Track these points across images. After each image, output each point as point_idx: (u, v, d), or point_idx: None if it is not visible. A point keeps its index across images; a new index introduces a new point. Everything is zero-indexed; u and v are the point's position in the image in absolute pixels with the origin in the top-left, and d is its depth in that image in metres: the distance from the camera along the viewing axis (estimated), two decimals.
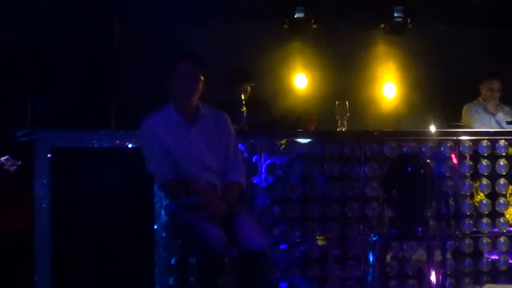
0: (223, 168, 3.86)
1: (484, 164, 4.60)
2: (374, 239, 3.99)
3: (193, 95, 3.84)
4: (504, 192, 4.62)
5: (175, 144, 3.78)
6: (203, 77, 3.85)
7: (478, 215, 4.60)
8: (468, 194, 4.59)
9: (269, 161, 4.39)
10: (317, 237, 4.43)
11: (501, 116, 5.76)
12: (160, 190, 4.05)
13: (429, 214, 4.28)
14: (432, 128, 5.15)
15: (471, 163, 4.60)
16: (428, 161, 4.19)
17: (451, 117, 6.03)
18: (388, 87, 7.70)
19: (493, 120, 5.80)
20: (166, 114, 3.87)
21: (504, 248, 4.58)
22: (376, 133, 4.63)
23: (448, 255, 4.37)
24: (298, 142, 4.46)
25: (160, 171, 3.81)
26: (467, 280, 4.54)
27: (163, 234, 4.23)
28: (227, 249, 3.48)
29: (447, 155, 4.57)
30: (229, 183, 3.83)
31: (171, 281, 4.24)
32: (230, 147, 3.90)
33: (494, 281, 4.54)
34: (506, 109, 5.88)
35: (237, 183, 3.85)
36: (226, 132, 3.91)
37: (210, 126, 3.88)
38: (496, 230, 4.60)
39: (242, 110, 4.63)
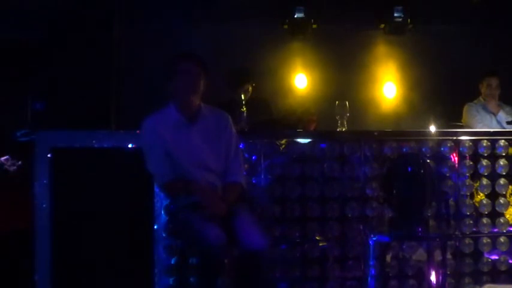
0: (224, 169, 3.85)
1: (484, 164, 4.60)
2: (374, 239, 3.99)
3: (194, 94, 3.84)
4: (504, 192, 4.62)
5: (176, 144, 3.78)
6: (204, 75, 3.84)
7: (478, 215, 4.60)
8: (468, 194, 4.59)
9: (269, 161, 4.38)
10: (317, 237, 4.43)
11: (502, 116, 5.77)
12: (161, 190, 4.05)
13: (429, 214, 4.28)
14: (432, 128, 5.15)
15: (471, 163, 4.59)
16: (428, 161, 4.19)
17: (451, 117, 6.03)
18: (388, 87, 7.71)
19: (494, 120, 5.80)
20: (167, 114, 3.87)
21: (504, 248, 4.58)
22: (376, 133, 4.63)
23: (448, 255, 4.37)
24: (298, 142, 4.46)
25: (160, 171, 3.81)
26: (467, 280, 4.54)
27: (163, 234, 4.23)
28: (227, 250, 3.48)
29: (447, 155, 4.57)
30: (229, 184, 3.83)
31: (171, 281, 4.24)
32: (231, 147, 3.89)
33: (494, 281, 4.54)
34: (507, 109, 5.88)
35: (237, 183, 3.85)
36: (227, 132, 3.91)
37: (211, 126, 3.87)
38: (496, 230, 4.60)
39: (242, 110, 4.63)
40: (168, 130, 3.80)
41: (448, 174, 4.56)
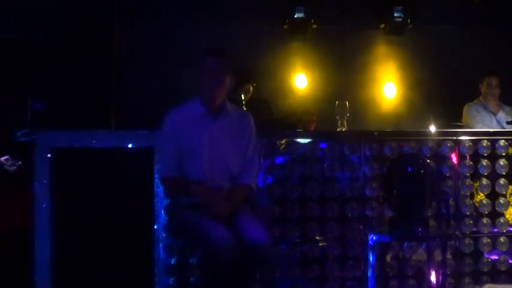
0: (239, 167, 3.87)
1: (484, 164, 4.60)
2: (374, 239, 3.99)
3: (219, 90, 3.85)
4: (504, 192, 4.62)
5: (197, 136, 3.80)
6: (229, 71, 3.86)
7: (478, 215, 4.59)
8: (468, 194, 4.59)
9: (269, 161, 4.38)
10: (317, 237, 4.43)
11: (502, 116, 5.77)
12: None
13: (429, 214, 4.28)
14: (432, 128, 5.15)
15: (471, 163, 4.59)
16: (428, 161, 4.19)
17: (451, 117, 6.03)
18: (388, 87, 7.72)
19: (494, 120, 5.80)
20: (191, 107, 3.89)
21: (504, 248, 4.58)
22: (376, 133, 4.63)
23: (448, 255, 4.37)
24: (298, 142, 4.46)
25: (165, 164, 3.88)
26: (467, 280, 4.54)
27: (163, 234, 4.23)
28: (233, 250, 3.47)
29: (447, 155, 4.57)
30: (239, 185, 3.85)
31: (171, 281, 4.24)
32: (249, 148, 3.91)
33: (494, 281, 4.54)
34: (507, 109, 5.89)
35: (246, 185, 3.88)
36: (248, 132, 3.93)
37: (232, 123, 3.90)
38: (496, 230, 4.60)
39: None
40: (191, 122, 3.82)
41: (448, 174, 4.56)
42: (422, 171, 3.96)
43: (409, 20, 7.36)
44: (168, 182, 3.89)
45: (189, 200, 3.75)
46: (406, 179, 3.94)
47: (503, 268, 4.59)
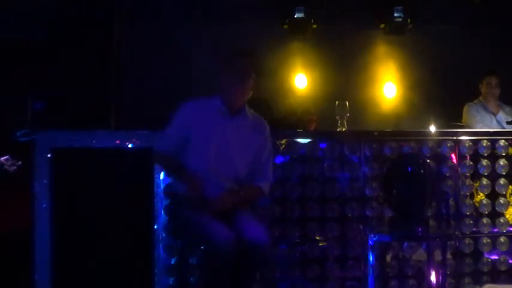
0: (249, 171, 3.86)
1: (484, 164, 4.60)
2: (374, 239, 3.99)
3: (241, 91, 3.85)
4: (504, 192, 4.62)
5: (209, 129, 3.79)
6: (255, 76, 3.86)
7: (478, 215, 4.60)
8: (468, 194, 4.59)
9: None
10: (317, 237, 4.43)
11: (502, 116, 5.77)
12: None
13: (429, 214, 4.28)
14: (432, 128, 5.16)
15: (471, 163, 4.59)
16: (428, 161, 4.19)
17: (451, 117, 6.04)
18: (388, 87, 7.72)
19: (494, 120, 5.80)
20: (211, 102, 3.88)
21: (504, 248, 4.58)
22: (376, 133, 4.63)
23: (448, 255, 4.37)
24: (298, 142, 4.46)
25: (165, 140, 3.85)
26: (467, 280, 4.54)
27: (163, 234, 4.23)
28: (234, 249, 3.47)
29: (447, 155, 4.57)
30: (252, 186, 3.86)
31: (171, 281, 4.24)
32: (263, 154, 3.91)
33: (494, 281, 4.54)
34: (507, 109, 5.88)
35: (259, 188, 3.89)
36: (262, 138, 3.93)
37: (248, 126, 3.89)
38: (496, 230, 4.60)
39: None
40: (207, 115, 3.81)
41: (448, 174, 4.56)
42: (422, 171, 3.96)
43: (409, 20, 7.37)
44: (162, 156, 3.88)
45: (181, 188, 3.76)
46: (406, 179, 3.94)
47: (503, 268, 4.59)
